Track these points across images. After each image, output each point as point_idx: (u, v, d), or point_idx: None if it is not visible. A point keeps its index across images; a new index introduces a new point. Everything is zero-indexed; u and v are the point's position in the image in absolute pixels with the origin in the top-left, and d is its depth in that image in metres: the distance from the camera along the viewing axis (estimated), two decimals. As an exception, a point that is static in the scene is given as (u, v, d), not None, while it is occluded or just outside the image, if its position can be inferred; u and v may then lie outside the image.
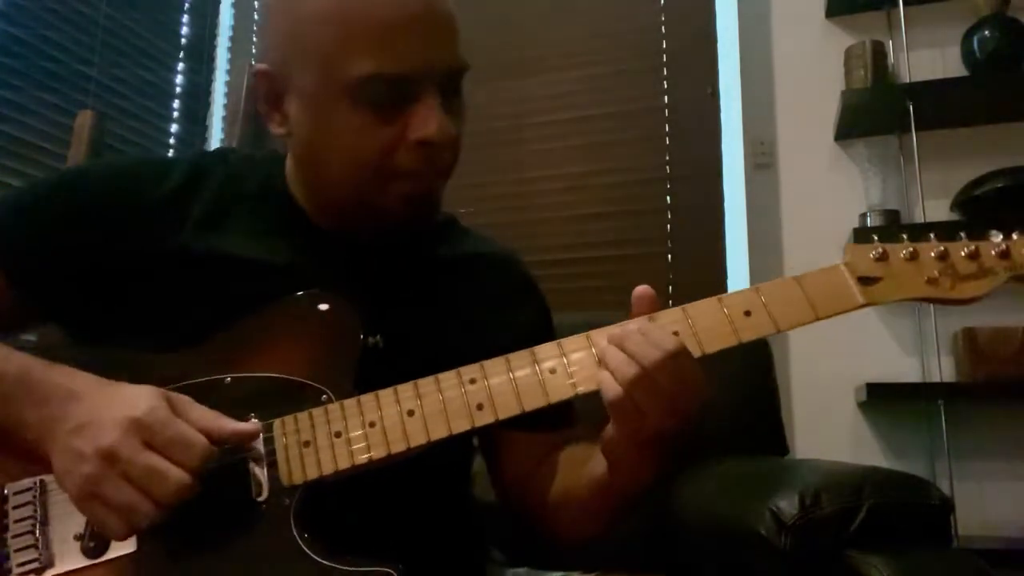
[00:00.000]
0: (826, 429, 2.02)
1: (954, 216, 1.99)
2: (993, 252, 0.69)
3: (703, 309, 0.70)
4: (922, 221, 1.97)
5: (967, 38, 2.01)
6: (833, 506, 0.92)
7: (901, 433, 2.02)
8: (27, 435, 0.69)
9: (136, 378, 0.71)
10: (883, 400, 1.97)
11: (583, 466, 0.80)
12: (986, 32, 1.98)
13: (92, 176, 0.86)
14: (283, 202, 0.86)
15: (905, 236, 0.72)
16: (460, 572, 0.89)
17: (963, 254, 0.69)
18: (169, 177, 0.83)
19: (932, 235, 0.71)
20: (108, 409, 0.66)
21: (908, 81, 2.01)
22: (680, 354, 0.65)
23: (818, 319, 0.69)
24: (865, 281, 0.70)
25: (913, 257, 0.70)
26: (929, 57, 2.10)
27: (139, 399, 0.66)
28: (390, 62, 0.72)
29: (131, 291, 0.80)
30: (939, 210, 2.00)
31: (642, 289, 0.70)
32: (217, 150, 0.92)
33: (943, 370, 1.96)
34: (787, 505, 0.93)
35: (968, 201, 1.93)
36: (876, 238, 0.72)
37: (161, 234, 0.80)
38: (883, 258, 0.70)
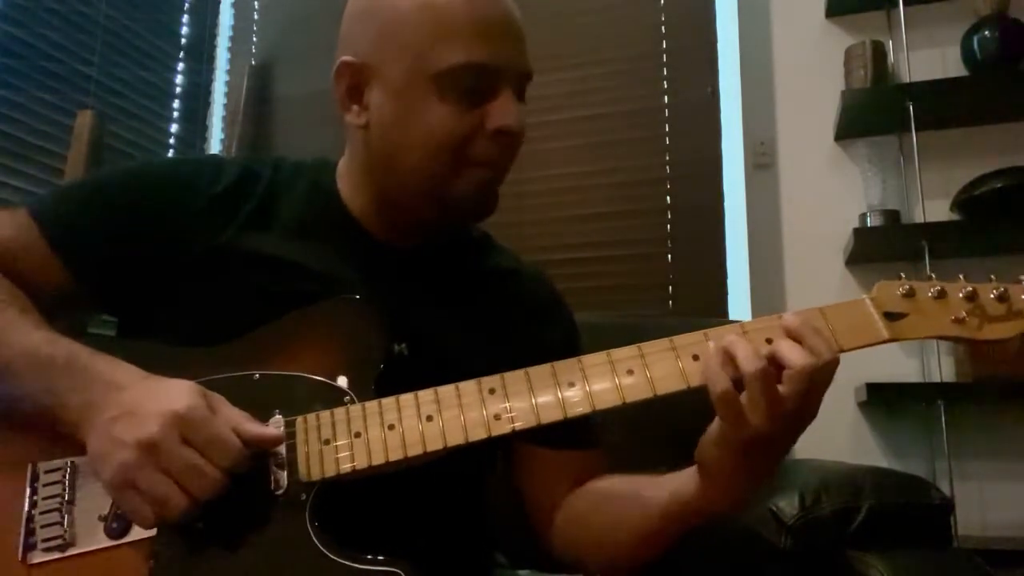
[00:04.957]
0: (826, 429, 2.00)
1: (954, 216, 1.99)
2: (1023, 296, 0.69)
3: (730, 330, 0.70)
4: (922, 221, 1.96)
5: (967, 38, 2.01)
6: (833, 506, 0.92)
7: (901, 433, 2.02)
8: (67, 417, 0.71)
9: (169, 370, 0.73)
10: (883, 400, 1.97)
11: (642, 490, 0.79)
12: (986, 32, 1.97)
13: (152, 173, 0.89)
14: (331, 205, 0.89)
15: (934, 275, 0.72)
16: (467, 574, 0.90)
17: (992, 295, 0.70)
18: (221, 178, 0.87)
19: (962, 276, 0.72)
20: (150, 401, 0.68)
21: (908, 81, 2.00)
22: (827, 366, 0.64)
23: (842, 351, 0.68)
24: (891, 316, 0.70)
25: (941, 296, 0.70)
26: (929, 57, 2.10)
27: (180, 394, 0.68)
28: (481, 54, 0.78)
29: (177, 286, 0.83)
30: (939, 210, 2.00)
31: None
32: (268, 156, 0.96)
33: (943, 370, 1.96)
34: (787, 505, 0.93)
35: (968, 201, 1.93)
36: (903, 275, 0.73)
37: (210, 232, 0.83)
38: (910, 295, 0.71)
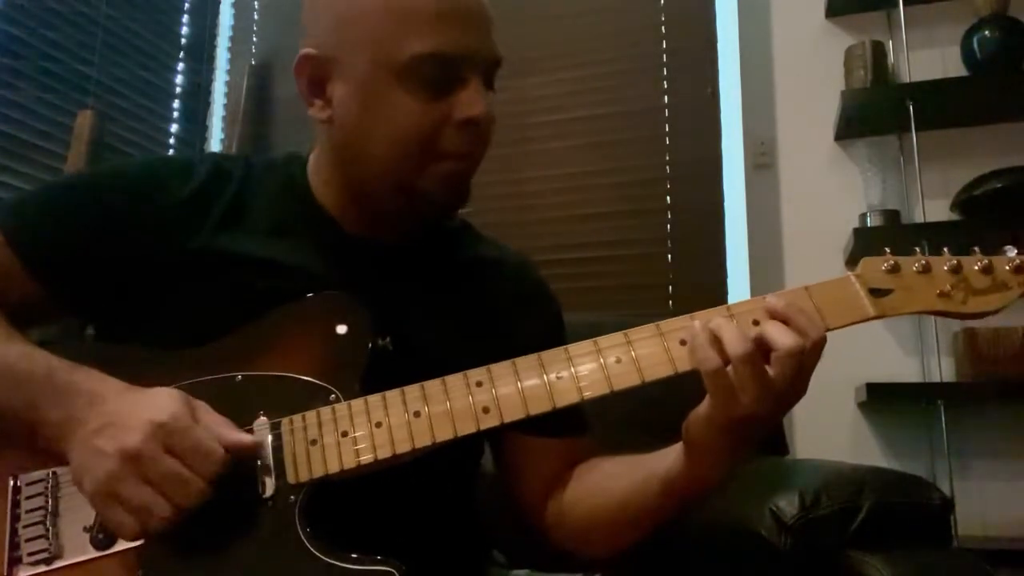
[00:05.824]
0: (826, 429, 2.02)
1: (954, 216, 1.99)
2: (1007, 267, 0.69)
3: (717, 312, 0.70)
4: (922, 221, 1.96)
5: (967, 38, 2.01)
6: (833, 506, 0.92)
7: (901, 433, 2.02)
8: (47, 433, 0.70)
9: (150, 374, 0.72)
10: (883, 400, 1.97)
11: (633, 472, 0.80)
12: (986, 32, 1.98)
13: (118, 177, 0.86)
14: (304, 201, 0.87)
15: (918, 249, 0.71)
16: (462, 573, 0.89)
17: (976, 268, 0.69)
18: (191, 178, 0.84)
19: (946, 249, 0.71)
20: (132, 411, 0.67)
21: (908, 81, 2.01)
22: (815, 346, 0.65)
23: (828, 330, 0.68)
24: (876, 293, 0.70)
25: (925, 270, 0.70)
26: (929, 57, 2.10)
27: (163, 403, 0.67)
28: (445, 43, 0.75)
29: (152, 290, 0.81)
30: (939, 210, 2.00)
31: None
32: (238, 154, 0.93)
33: (943, 370, 1.96)
34: (787, 505, 0.93)
35: (968, 201, 1.93)
36: (888, 250, 0.71)
37: (182, 235, 0.81)
38: (895, 270, 0.70)
